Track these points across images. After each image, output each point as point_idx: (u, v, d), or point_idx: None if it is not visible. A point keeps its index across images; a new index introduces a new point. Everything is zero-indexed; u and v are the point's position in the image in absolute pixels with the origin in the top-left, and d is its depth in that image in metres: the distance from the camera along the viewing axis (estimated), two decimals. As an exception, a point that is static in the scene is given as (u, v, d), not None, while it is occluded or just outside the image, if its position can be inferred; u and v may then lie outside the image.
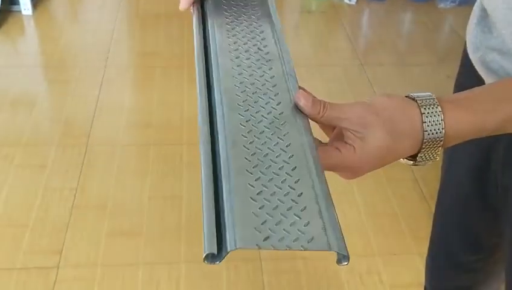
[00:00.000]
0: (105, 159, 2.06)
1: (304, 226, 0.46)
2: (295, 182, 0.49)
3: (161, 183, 1.97)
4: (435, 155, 0.55)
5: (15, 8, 2.98)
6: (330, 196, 0.50)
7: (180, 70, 2.60)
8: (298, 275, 1.65)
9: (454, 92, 0.87)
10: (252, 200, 0.47)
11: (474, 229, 0.95)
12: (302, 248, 0.45)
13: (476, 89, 0.57)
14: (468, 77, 0.80)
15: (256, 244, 0.44)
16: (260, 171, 0.50)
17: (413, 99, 0.55)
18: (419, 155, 0.55)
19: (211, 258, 0.45)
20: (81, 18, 3.10)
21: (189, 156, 2.09)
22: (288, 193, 0.49)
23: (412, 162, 0.56)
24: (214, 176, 0.50)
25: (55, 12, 3.12)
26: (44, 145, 2.11)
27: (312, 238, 0.45)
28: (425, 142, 0.54)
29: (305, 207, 0.48)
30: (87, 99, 2.38)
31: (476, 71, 0.77)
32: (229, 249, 0.44)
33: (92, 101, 2.37)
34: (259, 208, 0.47)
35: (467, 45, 0.80)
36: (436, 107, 0.53)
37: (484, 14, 0.74)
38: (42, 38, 2.89)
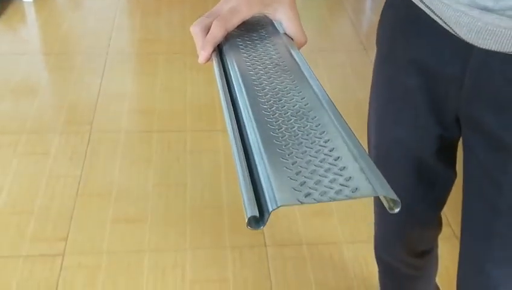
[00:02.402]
0: (109, 146, 2.06)
1: (346, 180, 0.46)
2: (330, 151, 0.50)
3: (165, 170, 1.96)
4: None
5: (16, -5, 2.96)
6: (368, 156, 0.50)
7: (183, 56, 2.59)
8: (304, 261, 1.65)
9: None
10: (287, 169, 0.47)
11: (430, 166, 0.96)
12: (347, 197, 0.44)
13: None
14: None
15: (298, 200, 0.44)
16: (292, 148, 0.50)
17: None
18: None
19: (254, 223, 0.45)
20: (82, 5, 3.08)
21: (193, 142, 2.09)
22: (324, 159, 0.48)
23: None
24: (244, 153, 0.51)
25: (56, -1, 3.11)
26: (47, 133, 2.11)
27: (356, 189, 0.45)
28: None
29: (344, 167, 0.47)
30: (90, 87, 2.37)
31: None
32: (270, 209, 0.44)
33: (95, 88, 2.36)
34: (296, 174, 0.47)
35: None
36: None
37: None
38: (43, 26, 2.88)
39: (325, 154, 0.49)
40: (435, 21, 0.77)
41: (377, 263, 1.26)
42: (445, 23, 0.75)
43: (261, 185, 0.47)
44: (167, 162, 2.00)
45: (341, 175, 0.46)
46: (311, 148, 0.50)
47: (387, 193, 0.45)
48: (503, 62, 0.72)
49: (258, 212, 0.45)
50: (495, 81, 0.75)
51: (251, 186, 0.47)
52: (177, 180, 1.92)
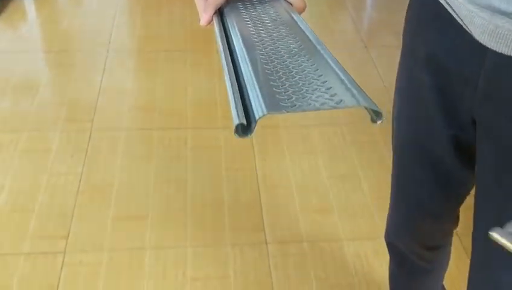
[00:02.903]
0: (110, 144, 2.06)
1: (331, 96, 0.49)
2: (318, 76, 0.53)
3: (166, 168, 1.96)
4: None
5: (16, -8, 2.96)
6: (353, 80, 0.53)
7: (183, 53, 2.58)
8: (304, 258, 1.65)
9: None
10: (275, 88, 0.50)
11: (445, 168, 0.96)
12: (331, 107, 0.47)
13: None
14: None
15: (284, 109, 0.47)
16: (282, 74, 0.53)
17: None
18: None
19: (242, 131, 0.47)
20: (83, 2, 3.08)
21: (194, 140, 2.09)
22: (312, 82, 0.52)
23: None
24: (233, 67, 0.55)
25: (57, -4, 3.10)
26: (48, 131, 2.11)
27: (341, 101, 0.48)
28: None
29: (330, 87, 0.51)
30: (90, 84, 2.37)
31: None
32: (257, 117, 0.46)
33: (95, 85, 2.36)
34: (284, 91, 0.50)
35: None
36: None
37: None
38: (44, 23, 2.88)
39: (313, 79, 0.52)
40: (454, 19, 0.77)
41: (388, 250, 1.26)
42: (463, 21, 0.75)
43: (249, 98, 0.50)
44: (168, 160, 2.00)
45: (327, 92, 0.50)
46: (301, 74, 0.53)
47: (369, 104, 0.48)
48: None
49: (245, 120, 0.47)
50: (507, 85, 0.74)
51: (239, 96, 0.50)
52: (177, 178, 1.92)
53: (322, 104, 0.48)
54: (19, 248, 1.66)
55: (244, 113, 0.48)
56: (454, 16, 0.76)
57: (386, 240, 1.24)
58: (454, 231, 1.21)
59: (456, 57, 0.79)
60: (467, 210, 1.06)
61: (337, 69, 0.54)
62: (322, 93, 0.49)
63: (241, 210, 1.81)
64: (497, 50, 0.71)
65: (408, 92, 0.94)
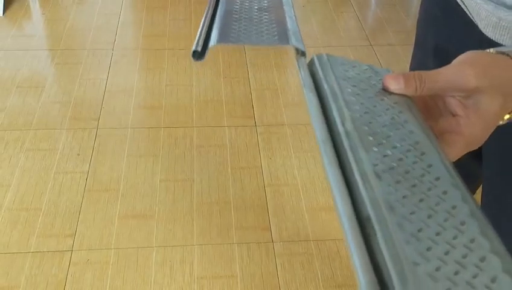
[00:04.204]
0: (116, 142, 2.06)
1: (272, 35, 0.55)
2: (269, 15, 0.60)
3: (172, 166, 1.97)
4: None
5: (21, -10, 2.96)
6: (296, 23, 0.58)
7: (189, 51, 2.58)
8: (311, 257, 1.65)
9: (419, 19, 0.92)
10: (233, 23, 0.58)
11: None
12: (266, 44, 0.52)
13: None
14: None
15: (230, 42, 0.53)
16: (245, 12, 0.60)
17: (504, 53, 0.52)
18: None
19: (197, 56, 0.52)
20: (87, 0, 3.08)
21: (199, 138, 2.09)
22: (262, 20, 0.58)
23: (508, 116, 0.52)
24: None
25: (61, -6, 3.11)
26: (54, 129, 2.11)
27: (275, 41, 0.53)
28: None
29: (274, 26, 0.58)
30: (96, 83, 2.37)
31: None
32: (209, 45, 0.52)
33: (101, 84, 2.36)
34: (238, 26, 0.57)
35: None
36: None
37: None
38: (48, 21, 2.88)
39: (266, 25, 0.58)
40: (464, 11, 0.77)
41: None
42: (471, 14, 0.75)
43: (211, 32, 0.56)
44: (174, 158, 2.00)
45: (270, 34, 0.55)
46: (257, 23, 0.58)
47: (296, 43, 0.52)
48: None
49: (200, 48, 0.52)
50: None
51: (206, 31, 0.56)
52: (184, 176, 1.93)
53: (261, 41, 0.53)
54: (26, 246, 1.66)
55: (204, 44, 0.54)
56: (464, 8, 0.77)
57: None
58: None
59: (464, 49, 0.79)
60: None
61: (288, 20, 0.58)
62: (267, 36, 0.54)
63: (247, 209, 1.81)
64: (502, 42, 0.72)
65: None
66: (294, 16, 0.60)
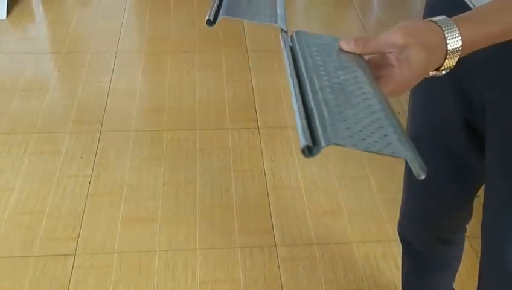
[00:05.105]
0: (119, 146, 2.06)
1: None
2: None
3: (175, 169, 1.97)
4: (453, 63, 0.66)
5: (24, -7, 2.97)
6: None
7: (192, 54, 2.59)
8: (314, 261, 1.65)
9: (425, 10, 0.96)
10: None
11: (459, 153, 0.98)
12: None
13: (481, 6, 0.68)
14: None
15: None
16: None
17: (432, 21, 0.65)
18: (443, 65, 0.65)
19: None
20: (91, 3, 3.09)
21: (202, 142, 2.09)
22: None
23: (434, 72, 0.66)
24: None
25: (65, -3, 3.11)
26: (57, 132, 2.12)
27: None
28: (448, 53, 0.63)
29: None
30: (99, 85, 2.38)
31: None
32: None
33: (104, 87, 2.36)
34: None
35: None
36: (452, 24, 0.64)
37: None
38: (52, 24, 2.88)
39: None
40: (466, 4, 0.78)
41: (401, 243, 1.26)
42: (473, 6, 0.76)
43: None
44: (177, 161, 2.00)
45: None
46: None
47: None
48: None
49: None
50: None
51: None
52: (186, 179, 1.93)
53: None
54: (29, 250, 1.67)
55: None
56: (466, 1, 0.77)
57: (398, 231, 1.24)
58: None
59: None
60: (475, 215, 1.07)
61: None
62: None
63: (250, 212, 1.81)
64: None
65: (420, 83, 0.96)
66: (283, 2, 0.77)
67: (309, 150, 0.53)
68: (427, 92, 0.97)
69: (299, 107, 0.59)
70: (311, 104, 0.59)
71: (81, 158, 1.99)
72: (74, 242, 1.69)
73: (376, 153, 0.54)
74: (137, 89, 2.38)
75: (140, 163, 1.99)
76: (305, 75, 0.64)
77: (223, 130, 2.15)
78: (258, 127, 2.16)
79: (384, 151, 0.54)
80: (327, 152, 2.04)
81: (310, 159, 2.01)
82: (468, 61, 0.82)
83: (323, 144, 0.53)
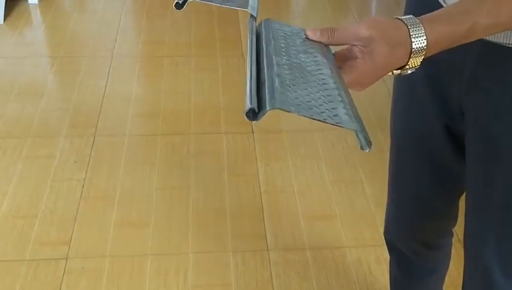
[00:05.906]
0: (113, 150, 2.06)
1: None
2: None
3: (169, 174, 1.96)
4: (418, 63, 0.66)
5: (21, -2, 2.97)
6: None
7: (188, 59, 2.59)
8: (306, 266, 1.65)
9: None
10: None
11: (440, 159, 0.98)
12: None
13: (447, 7, 0.69)
14: None
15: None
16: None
17: (399, 19, 0.66)
18: (408, 63, 0.65)
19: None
20: (87, 7, 3.09)
21: (197, 146, 2.09)
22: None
23: (399, 71, 0.67)
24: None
25: (61, 2, 3.12)
26: (52, 136, 2.12)
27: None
28: (413, 51, 0.64)
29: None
30: (95, 90, 2.38)
31: None
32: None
33: (100, 91, 2.37)
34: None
35: None
36: (418, 23, 0.64)
37: None
38: (48, 28, 2.89)
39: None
40: (440, 4, 0.78)
41: (388, 249, 1.26)
42: (445, 2, 0.76)
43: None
44: (171, 166, 2.00)
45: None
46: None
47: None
48: (499, 54, 0.74)
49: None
50: (491, 74, 0.76)
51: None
52: (180, 184, 1.92)
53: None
54: (21, 254, 1.66)
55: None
56: (441, 1, 0.78)
57: (385, 237, 1.24)
58: (455, 233, 1.21)
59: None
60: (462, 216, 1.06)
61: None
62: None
63: (243, 216, 1.81)
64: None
65: (402, 84, 0.97)
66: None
67: (253, 113, 0.54)
68: (407, 98, 0.97)
69: (251, 77, 0.59)
70: (265, 76, 0.60)
71: (75, 162, 1.99)
72: (66, 246, 1.69)
73: (321, 121, 0.54)
74: (133, 93, 2.38)
75: (134, 167, 1.99)
76: (264, 54, 0.65)
77: (218, 135, 2.15)
78: (253, 132, 2.16)
79: (330, 121, 0.54)
80: (321, 157, 2.04)
81: (303, 164, 2.02)
82: (446, 65, 0.83)
83: (268, 107, 0.53)
